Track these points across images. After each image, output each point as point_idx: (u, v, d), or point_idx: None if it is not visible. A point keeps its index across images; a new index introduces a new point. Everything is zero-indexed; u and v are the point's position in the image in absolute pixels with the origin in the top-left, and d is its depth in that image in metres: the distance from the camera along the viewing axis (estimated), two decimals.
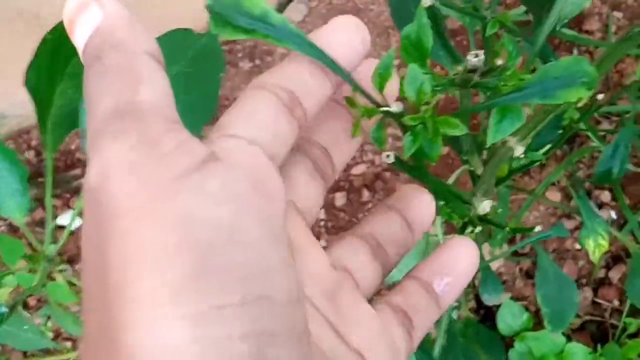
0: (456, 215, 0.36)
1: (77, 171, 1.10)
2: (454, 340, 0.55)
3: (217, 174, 0.20)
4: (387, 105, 0.25)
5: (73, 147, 1.11)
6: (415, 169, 0.30)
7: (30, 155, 1.09)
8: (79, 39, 0.22)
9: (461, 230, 0.37)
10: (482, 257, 0.83)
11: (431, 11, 0.51)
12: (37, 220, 1.08)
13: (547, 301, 0.72)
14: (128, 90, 0.20)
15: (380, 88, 0.25)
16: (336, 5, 1.09)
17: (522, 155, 0.48)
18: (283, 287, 0.19)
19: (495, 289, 0.84)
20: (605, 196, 1.04)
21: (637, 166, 1.01)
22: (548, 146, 0.57)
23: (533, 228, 0.40)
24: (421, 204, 0.28)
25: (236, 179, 0.20)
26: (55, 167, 1.11)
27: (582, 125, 0.94)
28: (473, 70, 0.26)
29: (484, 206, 0.38)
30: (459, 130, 0.25)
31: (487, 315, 1.01)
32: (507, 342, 0.97)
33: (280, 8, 1.10)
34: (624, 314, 0.98)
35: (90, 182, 0.20)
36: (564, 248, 1.04)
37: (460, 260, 0.27)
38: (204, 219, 0.19)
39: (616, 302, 1.00)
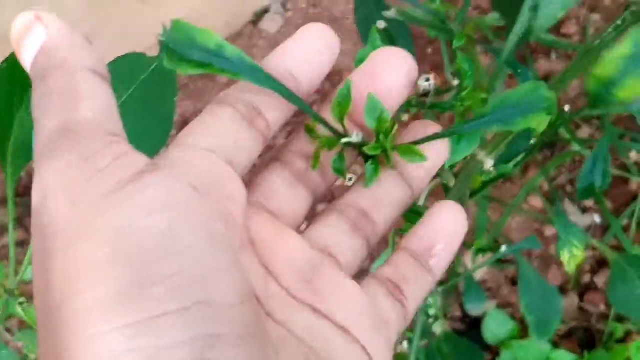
0: None
1: None
2: (432, 357, 0.54)
3: (153, 184, 0.20)
4: (347, 135, 0.24)
5: None
6: None
7: None
8: (25, 59, 0.22)
9: None
10: (464, 266, 0.82)
11: (399, 26, 0.50)
12: (16, 241, 1.06)
13: (532, 309, 0.72)
14: (68, 109, 0.21)
15: (340, 118, 0.24)
16: (312, 15, 1.09)
17: (492, 168, 0.47)
18: (226, 289, 0.19)
19: (479, 298, 0.83)
20: (589, 200, 1.04)
21: (619, 169, 1.01)
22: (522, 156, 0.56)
23: (498, 248, 0.39)
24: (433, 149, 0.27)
25: (174, 186, 0.20)
26: (26, 191, 1.09)
27: (563, 132, 0.93)
28: (426, 94, 0.25)
29: None
30: (419, 159, 0.24)
31: (473, 324, 1.00)
32: (494, 351, 0.96)
33: (256, 19, 1.09)
34: (610, 319, 0.97)
35: (33, 203, 0.20)
36: (549, 254, 1.03)
37: (448, 224, 0.27)
38: (136, 231, 0.19)
39: (602, 307, 1.00)
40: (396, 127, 0.24)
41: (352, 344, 0.23)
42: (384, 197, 0.26)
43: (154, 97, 0.31)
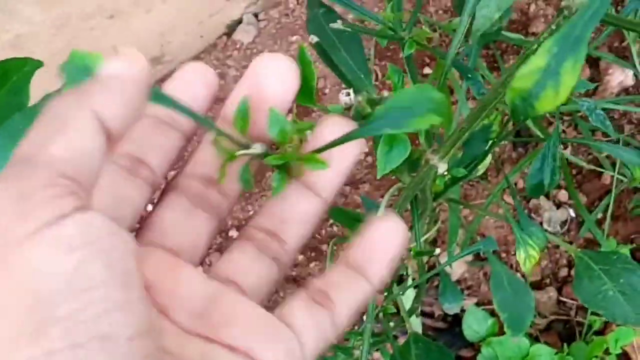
0: None
1: None
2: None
3: (74, 225, 0.20)
4: (249, 147, 0.25)
5: None
6: None
7: None
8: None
9: None
10: (444, 269, 0.83)
11: (351, 36, 0.51)
12: None
13: (504, 306, 0.72)
14: (47, 138, 0.21)
15: (242, 130, 0.26)
16: (285, 24, 1.10)
17: (445, 173, 0.48)
18: (128, 324, 0.20)
19: (455, 297, 0.84)
20: (563, 195, 1.05)
21: (591, 163, 1.02)
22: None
23: (432, 251, 0.40)
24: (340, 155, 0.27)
25: (93, 226, 0.21)
26: None
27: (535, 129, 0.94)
28: (348, 108, 0.27)
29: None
30: (322, 166, 0.25)
31: (454, 322, 1.01)
32: (476, 347, 0.97)
33: (229, 31, 1.10)
34: (589, 311, 0.98)
35: None
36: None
37: (385, 235, 0.27)
38: (46, 271, 0.19)
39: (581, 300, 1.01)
40: (299, 136, 0.25)
41: (242, 359, 0.24)
42: (289, 213, 0.27)
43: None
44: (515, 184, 1.07)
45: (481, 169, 0.65)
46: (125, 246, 0.21)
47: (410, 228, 0.67)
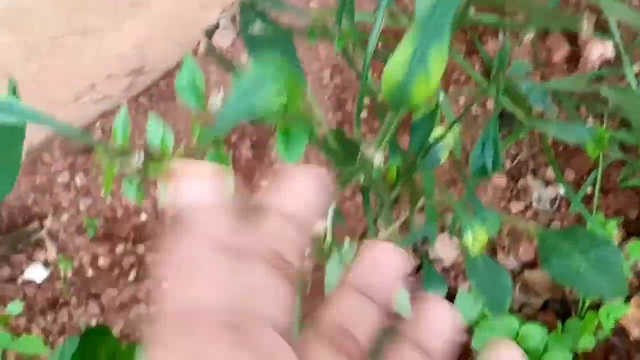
0: None
1: (35, 225, 1.12)
2: None
3: None
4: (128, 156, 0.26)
5: (30, 201, 1.12)
6: None
7: None
8: (168, 203, 0.23)
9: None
10: (426, 257, 0.83)
11: (284, 36, 0.52)
12: (5, 277, 1.10)
13: (483, 289, 0.73)
14: (185, 288, 0.21)
15: (123, 140, 0.26)
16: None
17: (382, 164, 0.49)
18: None
19: (439, 284, 0.85)
20: (551, 173, 1.05)
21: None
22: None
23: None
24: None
25: None
26: (14, 223, 1.12)
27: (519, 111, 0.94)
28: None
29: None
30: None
31: None
32: (471, 332, 0.97)
33: (209, 34, 1.11)
34: None
35: None
36: (518, 230, 1.04)
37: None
38: None
39: None
40: (178, 146, 0.26)
41: None
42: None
43: (2, 143, 0.33)
44: (502, 165, 1.06)
45: (444, 155, 0.65)
46: None
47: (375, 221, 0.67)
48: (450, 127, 0.57)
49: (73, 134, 0.26)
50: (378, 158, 0.50)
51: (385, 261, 0.27)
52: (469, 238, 0.50)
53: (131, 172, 0.27)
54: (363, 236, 1.00)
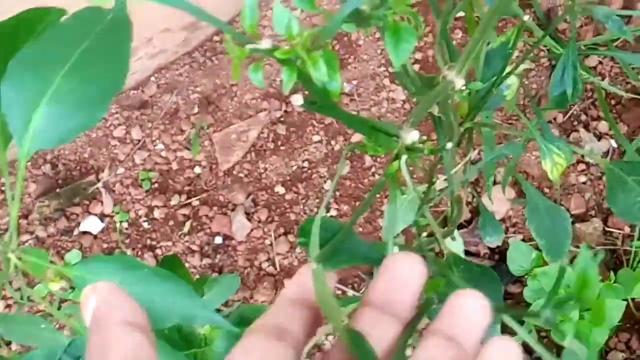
0: (382, 149, 0.38)
1: (92, 177, 1.14)
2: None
3: None
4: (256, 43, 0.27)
5: (86, 155, 1.15)
6: (325, 107, 0.33)
7: (46, 168, 1.14)
8: (86, 321, 0.26)
9: (395, 158, 0.39)
10: (483, 204, 0.84)
11: None
12: (61, 229, 1.13)
13: (541, 233, 0.73)
14: None
15: (251, 29, 0.28)
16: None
17: (463, 88, 0.50)
18: None
19: (495, 230, 0.86)
20: (603, 126, 1.05)
21: (630, 92, 1.01)
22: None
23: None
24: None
25: None
26: (71, 176, 1.15)
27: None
28: None
29: (412, 136, 0.40)
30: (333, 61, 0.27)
31: (500, 259, 1.03)
32: (524, 283, 0.98)
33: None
34: (636, 238, 0.98)
35: None
36: (569, 183, 1.05)
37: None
38: None
39: (627, 229, 1.01)
40: (308, 32, 0.27)
41: None
42: None
43: (107, 46, 0.34)
44: (555, 119, 1.07)
45: (509, 94, 0.66)
46: None
47: (441, 158, 0.69)
48: (516, 66, 0.58)
49: (218, 24, 0.27)
50: (459, 82, 0.51)
51: (405, 274, 0.28)
52: (547, 164, 0.51)
53: (258, 57, 0.28)
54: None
